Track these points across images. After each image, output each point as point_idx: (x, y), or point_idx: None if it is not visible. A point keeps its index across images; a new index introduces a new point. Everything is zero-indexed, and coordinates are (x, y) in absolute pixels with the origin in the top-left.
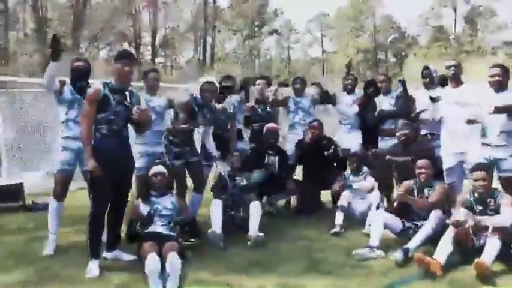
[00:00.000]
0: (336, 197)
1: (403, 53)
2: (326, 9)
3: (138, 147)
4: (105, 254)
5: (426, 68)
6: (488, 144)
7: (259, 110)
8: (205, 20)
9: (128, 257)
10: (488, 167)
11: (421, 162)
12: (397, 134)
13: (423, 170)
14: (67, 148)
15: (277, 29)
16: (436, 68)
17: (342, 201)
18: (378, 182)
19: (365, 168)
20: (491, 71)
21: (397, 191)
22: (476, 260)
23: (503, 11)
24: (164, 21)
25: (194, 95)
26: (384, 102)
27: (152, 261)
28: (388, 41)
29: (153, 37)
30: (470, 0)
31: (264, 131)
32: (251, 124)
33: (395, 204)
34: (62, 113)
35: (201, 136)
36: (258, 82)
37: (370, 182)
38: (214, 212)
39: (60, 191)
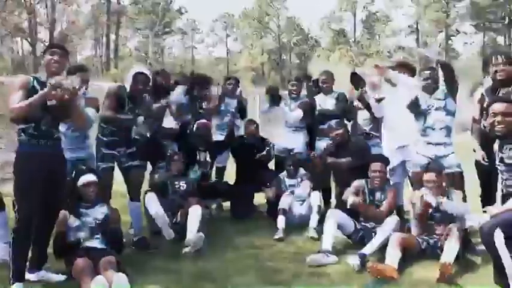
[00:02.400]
0: (269, 201)
1: (306, 55)
2: (231, 10)
3: None
4: (28, 276)
5: (354, 73)
6: (429, 143)
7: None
8: (108, 16)
9: (56, 277)
10: (438, 169)
11: (376, 165)
12: (331, 134)
13: (378, 174)
14: None
15: (181, 28)
16: (363, 71)
17: (283, 204)
18: (316, 184)
19: (301, 171)
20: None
21: (348, 192)
22: (441, 261)
23: (397, 18)
24: (62, 16)
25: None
26: (325, 102)
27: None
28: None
29: (51, 32)
30: (368, 6)
31: (195, 127)
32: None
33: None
34: None
35: (135, 131)
36: (229, 82)
37: (306, 186)
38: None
39: None
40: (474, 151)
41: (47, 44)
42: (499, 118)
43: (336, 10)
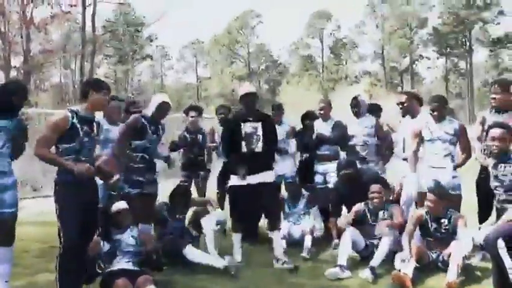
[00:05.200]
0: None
1: (276, 81)
2: (201, 36)
3: None
4: None
5: (355, 98)
6: (433, 167)
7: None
8: (82, 44)
9: None
10: (439, 190)
11: (374, 186)
12: (340, 173)
13: (376, 195)
14: None
15: (150, 55)
16: (364, 98)
17: (283, 231)
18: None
19: (303, 192)
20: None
21: (344, 218)
22: (447, 281)
23: (363, 44)
24: (35, 43)
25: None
26: (322, 128)
27: None
28: None
29: (25, 59)
30: (335, 33)
31: None
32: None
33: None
34: None
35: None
36: (191, 113)
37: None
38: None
39: None
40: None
41: (22, 72)
42: (496, 143)
43: (304, 37)
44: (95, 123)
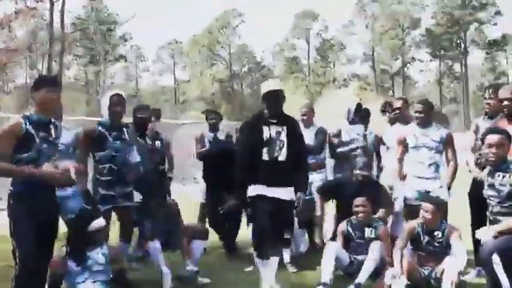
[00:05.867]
0: None
1: (259, 84)
2: (178, 37)
3: None
4: None
5: (359, 104)
6: (420, 177)
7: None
8: (50, 43)
9: None
10: (437, 201)
11: (359, 199)
12: (356, 172)
13: (361, 209)
14: None
15: (124, 55)
16: (350, 108)
17: None
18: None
19: None
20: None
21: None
22: None
23: (352, 45)
24: None
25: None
26: (305, 136)
27: None
28: None
29: None
30: (322, 33)
31: None
32: None
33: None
34: None
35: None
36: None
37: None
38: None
39: None
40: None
41: None
42: (493, 150)
43: (289, 37)
44: (51, 126)
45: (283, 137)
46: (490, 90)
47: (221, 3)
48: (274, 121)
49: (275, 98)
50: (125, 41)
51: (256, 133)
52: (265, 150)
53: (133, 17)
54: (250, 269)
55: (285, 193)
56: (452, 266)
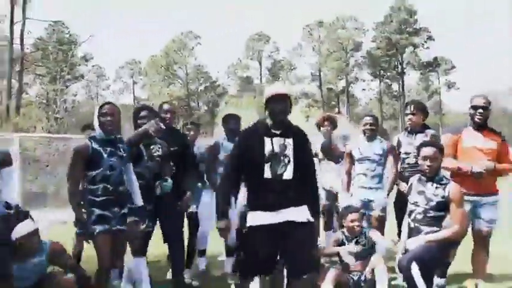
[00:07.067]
0: None
1: (214, 102)
2: (138, 57)
3: None
4: None
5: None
6: (363, 187)
7: None
8: (10, 62)
9: None
10: (360, 209)
11: (354, 215)
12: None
13: (357, 223)
14: None
15: (82, 74)
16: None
17: None
18: None
19: None
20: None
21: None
22: None
23: (301, 66)
24: None
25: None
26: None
27: None
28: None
29: None
30: (273, 54)
31: None
32: None
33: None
34: None
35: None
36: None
37: None
38: None
39: None
40: (397, 185)
41: None
42: (428, 162)
43: (242, 58)
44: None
45: (289, 151)
46: (412, 107)
47: (177, 25)
48: (278, 132)
49: (280, 104)
50: (86, 60)
51: (256, 146)
52: (267, 166)
53: (89, 38)
54: None
55: (293, 213)
56: (380, 263)
